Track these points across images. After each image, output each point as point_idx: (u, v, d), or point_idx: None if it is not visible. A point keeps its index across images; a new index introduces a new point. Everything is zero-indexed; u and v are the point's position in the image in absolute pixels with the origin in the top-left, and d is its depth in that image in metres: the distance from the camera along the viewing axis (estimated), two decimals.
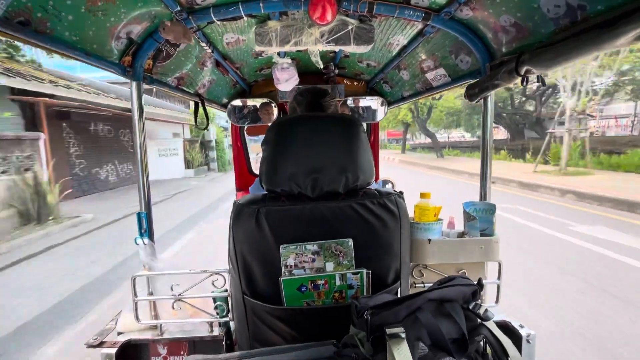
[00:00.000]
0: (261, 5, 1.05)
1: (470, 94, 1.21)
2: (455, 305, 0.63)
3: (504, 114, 20.64)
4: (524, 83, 1.01)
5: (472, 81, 1.23)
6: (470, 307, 0.65)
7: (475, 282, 0.70)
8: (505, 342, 0.62)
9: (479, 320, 0.66)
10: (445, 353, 0.58)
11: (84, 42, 0.92)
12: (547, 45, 0.85)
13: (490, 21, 1.02)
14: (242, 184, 2.51)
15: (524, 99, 20.45)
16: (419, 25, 1.23)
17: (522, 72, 0.94)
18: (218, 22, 1.13)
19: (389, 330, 0.56)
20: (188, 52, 1.36)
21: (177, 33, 1.03)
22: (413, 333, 0.58)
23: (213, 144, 17.42)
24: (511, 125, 21.64)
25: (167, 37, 1.03)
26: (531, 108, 20.61)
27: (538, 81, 1.02)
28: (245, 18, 1.13)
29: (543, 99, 18.72)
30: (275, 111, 2.24)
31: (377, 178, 2.27)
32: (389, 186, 2.05)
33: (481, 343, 0.68)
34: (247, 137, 2.54)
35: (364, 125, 2.41)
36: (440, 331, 0.58)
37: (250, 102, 2.28)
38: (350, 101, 2.27)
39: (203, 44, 1.32)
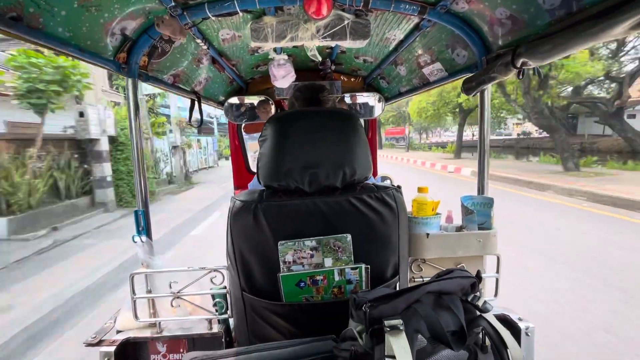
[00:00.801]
0: (256, 0, 1.04)
1: (467, 88, 1.21)
2: (454, 298, 0.63)
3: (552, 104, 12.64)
4: (520, 76, 1.01)
5: (469, 75, 1.23)
6: (469, 299, 0.65)
7: (474, 275, 0.70)
8: (504, 334, 0.62)
9: (478, 312, 0.66)
10: (444, 345, 0.58)
11: (78, 38, 0.91)
12: (543, 37, 0.85)
13: (486, 14, 1.01)
14: (240, 182, 2.50)
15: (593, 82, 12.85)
16: (415, 19, 1.22)
17: (519, 65, 0.94)
18: (213, 18, 1.12)
19: (387, 322, 0.55)
20: (184, 49, 1.35)
21: (173, 28, 1.02)
22: (412, 325, 0.58)
23: (103, 147, 7.80)
24: (562, 119, 14.69)
25: (164, 32, 1.03)
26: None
27: (534, 73, 1.02)
28: (240, 13, 1.12)
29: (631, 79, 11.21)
30: (273, 108, 2.23)
31: (375, 174, 2.27)
32: (387, 182, 2.05)
33: (480, 335, 0.68)
34: (245, 135, 2.53)
35: (362, 121, 2.41)
36: (439, 323, 0.58)
37: (247, 100, 2.27)
38: (347, 97, 2.26)
39: (198, 41, 1.31)
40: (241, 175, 2.51)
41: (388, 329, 0.55)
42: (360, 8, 1.08)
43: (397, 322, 0.55)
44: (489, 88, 1.22)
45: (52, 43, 0.83)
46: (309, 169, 0.80)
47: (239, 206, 0.82)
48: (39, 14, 0.77)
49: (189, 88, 1.66)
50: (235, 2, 1.04)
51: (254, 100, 2.25)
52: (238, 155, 2.51)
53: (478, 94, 1.22)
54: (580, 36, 0.73)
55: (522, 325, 1.07)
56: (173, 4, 1.00)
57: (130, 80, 1.15)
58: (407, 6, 1.07)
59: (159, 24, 1.02)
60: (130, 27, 1.04)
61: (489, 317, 0.65)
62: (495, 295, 1.15)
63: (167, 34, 1.03)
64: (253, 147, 2.56)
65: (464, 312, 0.63)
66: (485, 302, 0.65)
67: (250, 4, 1.06)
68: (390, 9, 1.07)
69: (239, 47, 1.56)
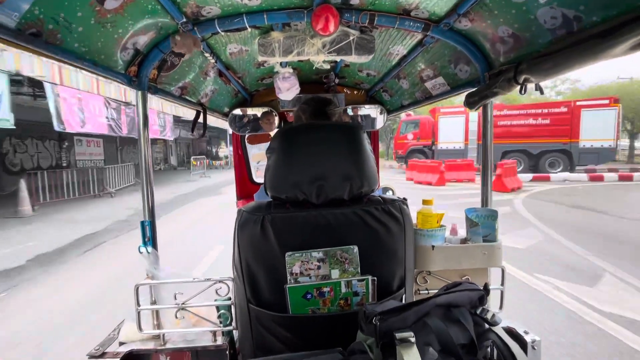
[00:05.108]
0: (265, 16, 1.08)
1: (469, 102, 1.23)
2: (463, 311, 0.64)
3: None
4: (523, 92, 1.03)
5: (472, 89, 1.25)
6: (478, 312, 0.65)
7: (482, 287, 0.71)
8: (513, 348, 0.63)
9: (487, 326, 0.66)
10: (455, 358, 0.58)
11: (93, 53, 0.94)
12: (544, 55, 0.87)
13: (489, 32, 1.04)
14: (243, 192, 2.51)
15: None
16: (419, 36, 1.26)
17: (521, 81, 0.97)
18: (222, 33, 1.15)
19: (398, 335, 0.56)
20: (192, 62, 1.38)
21: (188, 45, 1.05)
22: (422, 338, 0.58)
23: None
24: None
25: (180, 50, 1.06)
26: None
27: (536, 89, 1.04)
28: (249, 29, 1.15)
29: None
30: (277, 120, 2.26)
31: (378, 185, 2.28)
32: (389, 193, 2.06)
33: (489, 349, 0.68)
34: (248, 146, 2.55)
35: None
36: (449, 336, 0.58)
37: (251, 111, 2.30)
38: (350, 109, 2.30)
39: (207, 54, 1.34)
40: (245, 185, 2.52)
41: (399, 342, 0.55)
42: (366, 25, 1.11)
43: (408, 334, 0.56)
44: (492, 102, 1.24)
45: (68, 58, 0.85)
46: (317, 181, 0.81)
47: (246, 217, 0.82)
48: (58, 30, 0.79)
49: (195, 100, 1.68)
50: (245, 18, 1.08)
51: (258, 111, 2.28)
52: (241, 165, 2.52)
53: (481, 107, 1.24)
54: (581, 55, 0.75)
55: (528, 338, 1.06)
56: (184, 19, 1.03)
57: (139, 93, 1.17)
58: (412, 23, 1.10)
59: (175, 44, 1.05)
60: (142, 41, 1.06)
61: (498, 330, 0.66)
62: (500, 307, 1.15)
63: (183, 51, 1.06)
64: (256, 158, 2.57)
65: (473, 325, 0.63)
66: (494, 314, 0.66)
67: (259, 20, 1.09)
68: (395, 26, 1.10)
69: (246, 61, 1.59)
